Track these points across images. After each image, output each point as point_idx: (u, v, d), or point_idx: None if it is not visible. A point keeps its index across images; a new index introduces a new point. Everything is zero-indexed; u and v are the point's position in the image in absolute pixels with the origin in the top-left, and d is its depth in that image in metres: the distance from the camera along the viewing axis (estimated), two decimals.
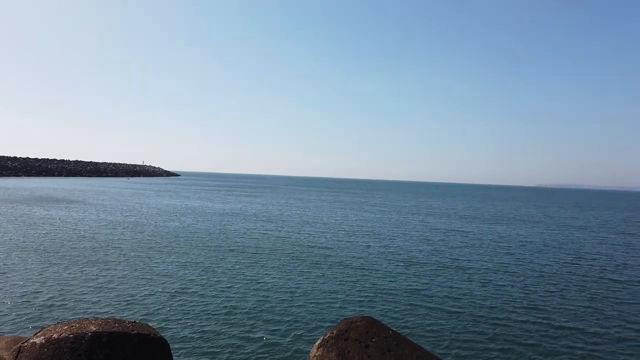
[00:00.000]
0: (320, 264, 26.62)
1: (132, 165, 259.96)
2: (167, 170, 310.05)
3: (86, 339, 5.55)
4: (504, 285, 23.12)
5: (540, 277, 25.35)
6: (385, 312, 17.98)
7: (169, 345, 5.96)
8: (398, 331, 14.75)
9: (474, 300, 20.08)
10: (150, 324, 14.93)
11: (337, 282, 22.44)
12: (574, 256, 33.24)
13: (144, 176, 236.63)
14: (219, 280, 21.85)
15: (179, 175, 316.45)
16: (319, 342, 6.47)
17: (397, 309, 18.34)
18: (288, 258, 28.11)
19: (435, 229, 48.45)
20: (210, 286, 20.75)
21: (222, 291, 20.00)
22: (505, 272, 26.53)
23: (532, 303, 20.05)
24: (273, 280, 22.31)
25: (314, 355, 6.31)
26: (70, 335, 5.58)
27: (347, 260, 28.04)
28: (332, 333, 6.38)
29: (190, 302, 18.24)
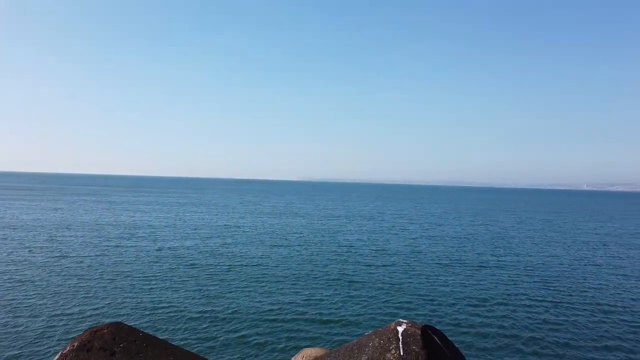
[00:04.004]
0: (74, 272, 23.76)
1: None
2: None
3: None
4: (278, 280, 24.83)
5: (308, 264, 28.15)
6: (140, 316, 17.18)
7: None
8: (160, 334, 14.33)
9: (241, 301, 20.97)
10: None
11: (88, 290, 20.36)
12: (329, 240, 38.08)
13: None
14: None
15: None
16: (56, 357, 5.77)
17: (148, 312, 17.75)
18: (33, 267, 24.22)
19: (214, 225, 48.72)
20: None
21: None
22: (279, 262, 28.57)
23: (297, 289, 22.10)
24: (11, 294, 18.92)
25: None
26: None
27: (102, 265, 25.77)
28: (73, 346, 5.75)
29: None
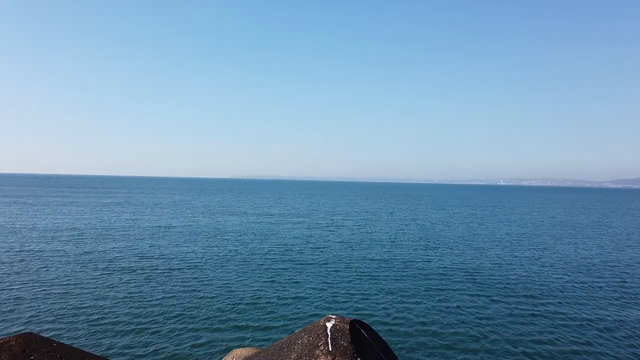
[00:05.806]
0: None
1: None
2: None
3: None
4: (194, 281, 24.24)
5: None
6: (60, 325, 16.12)
7: None
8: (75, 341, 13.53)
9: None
10: None
11: (2, 300, 18.82)
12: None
13: None
14: None
15: None
16: None
17: (70, 321, 16.76)
18: None
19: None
20: None
21: None
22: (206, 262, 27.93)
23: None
24: None
25: None
26: None
27: (21, 272, 23.92)
28: None
29: None
